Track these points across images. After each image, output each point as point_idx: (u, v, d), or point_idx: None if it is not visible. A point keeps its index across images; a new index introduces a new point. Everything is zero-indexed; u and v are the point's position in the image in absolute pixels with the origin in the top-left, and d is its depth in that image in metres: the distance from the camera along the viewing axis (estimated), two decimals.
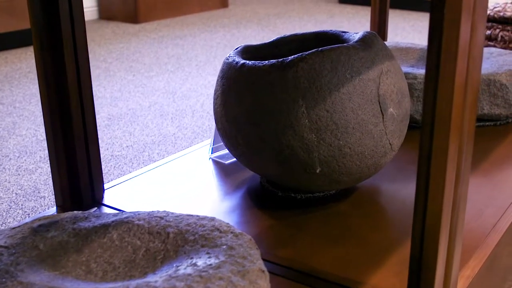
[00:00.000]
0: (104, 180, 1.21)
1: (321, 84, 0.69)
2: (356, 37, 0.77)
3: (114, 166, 1.26)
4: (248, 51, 0.82)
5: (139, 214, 0.57)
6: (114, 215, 0.58)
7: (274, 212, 0.77)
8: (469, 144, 0.51)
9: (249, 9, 3.43)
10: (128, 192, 0.84)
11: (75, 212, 0.59)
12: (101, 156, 1.32)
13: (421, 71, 1.06)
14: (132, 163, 1.28)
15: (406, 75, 1.04)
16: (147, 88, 1.87)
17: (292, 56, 0.70)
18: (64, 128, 0.76)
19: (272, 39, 0.86)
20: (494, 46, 1.40)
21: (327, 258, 0.67)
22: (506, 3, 1.51)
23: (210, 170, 0.90)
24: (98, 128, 1.50)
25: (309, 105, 0.69)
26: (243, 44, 0.83)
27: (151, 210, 0.59)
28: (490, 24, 1.43)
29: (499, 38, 1.40)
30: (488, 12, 1.42)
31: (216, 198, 0.82)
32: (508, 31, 1.40)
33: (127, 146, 1.37)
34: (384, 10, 1.39)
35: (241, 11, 3.36)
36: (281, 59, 0.71)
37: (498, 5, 1.48)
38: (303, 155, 0.71)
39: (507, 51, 1.18)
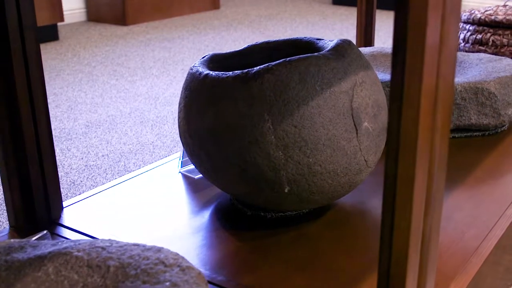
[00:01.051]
0: (76, 192, 1.16)
1: (289, 97, 0.64)
2: (330, 45, 0.72)
3: (87, 177, 1.21)
4: (215, 60, 0.77)
5: (79, 244, 0.52)
6: (53, 244, 0.53)
7: (242, 233, 0.72)
8: (441, 170, 0.46)
9: (241, 11, 3.38)
10: (89, 210, 0.79)
11: (11, 240, 0.54)
12: (75, 166, 1.27)
13: None
14: (106, 173, 1.23)
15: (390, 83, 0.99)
16: (129, 93, 1.81)
17: (258, 67, 0.65)
18: (16, 143, 0.71)
19: (242, 47, 0.81)
20: (485, 51, 1.35)
21: (293, 286, 0.61)
22: (498, 6, 1.46)
23: (178, 186, 0.85)
24: (74, 136, 1.45)
25: (275, 120, 0.64)
26: (211, 53, 0.78)
27: (94, 239, 0.53)
28: (481, 28, 1.37)
29: (490, 43, 1.35)
30: (479, 15, 1.37)
31: (182, 217, 0.76)
32: (499, 35, 1.35)
33: (102, 156, 1.32)
34: (371, 12, 1.34)
35: (232, 13, 3.31)
36: (245, 70, 0.65)
37: (489, 8, 1.43)
38: (270, 174, 0.65)
39: (497, 57, 1.13)
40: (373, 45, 1.36)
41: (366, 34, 1.35)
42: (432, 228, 0.47)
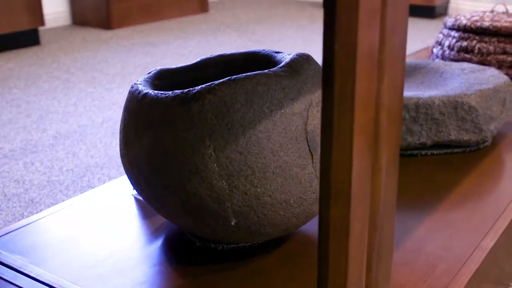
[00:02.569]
0: (34, 210, 1.09)
1: (233, 121, 0.57)
2: (285, 60, 0.65)
3: (47, 194, 1.14)
4: (162, 76, 0.70)
5: None
6: None
7: (188, 267, 0.65)
8: (388, 218, 0.39)
9: (230, 14, 3.31)
10: (26, 240, 0.72)
11: None
12: (36, 181, 1.20)
13: None
14: (68, 190, 1.16)
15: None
16: (104, 101, 1.74)
17: (199, 87, 0.58)
18: None
19: (195, 61, 0.74)
20: (471, 59, 1.28)
21: None
22: (485, 11, 1.39)
23: (128, 210, 0.78)
24: (41, 148, 1.38)
25: (217, 146, 0.57)
26: (158, 68, 0.71)
27: None
28: (466, 34, 1.31)
29: (476, 50, 1.28)
30: (464, 21, 1.30)
31: (126, 248, 0.69)
32: (485, 42, 1.28)
33: (67, 170, 1.25)
34: None
35: (221, 16, 3.24)
36: (186, 90, 0.59)
37: (475, 14, 1.37)
38: (214, 206, 0.59)
39: (481, 67, 1.06)
40: None
41: None
42: (380, 283, 0.40)
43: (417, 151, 0.95)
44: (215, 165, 0.57)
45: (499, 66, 1.25)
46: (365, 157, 0.35)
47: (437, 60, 1.30)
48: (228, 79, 0.58)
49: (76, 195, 1.14)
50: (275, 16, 3.27)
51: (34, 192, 1.15)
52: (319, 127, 0.61)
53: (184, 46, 2.52)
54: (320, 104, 0.61)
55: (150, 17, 3.06)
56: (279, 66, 0.62)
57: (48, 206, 1.11)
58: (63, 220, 0.76)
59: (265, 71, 0.60)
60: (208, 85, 0.58)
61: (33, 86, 1.92)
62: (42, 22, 2.44)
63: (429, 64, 1.11)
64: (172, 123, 0.58)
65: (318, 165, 0.61)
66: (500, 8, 2.93)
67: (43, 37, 2.70)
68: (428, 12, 3.16)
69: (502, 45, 1.25)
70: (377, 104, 0.36)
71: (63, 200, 1.12)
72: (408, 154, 0.95)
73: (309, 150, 0.60)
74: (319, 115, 0.61)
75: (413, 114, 0.91)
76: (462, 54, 1.31)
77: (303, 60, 0.63)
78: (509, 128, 1.06)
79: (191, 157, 0.57)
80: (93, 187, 1.17)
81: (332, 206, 0.35)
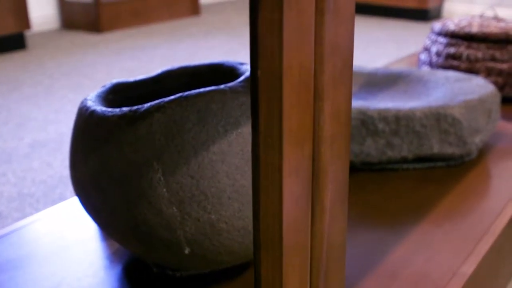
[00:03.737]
0: (0, 225, 1.05)
1: (183, 142, 0.52)
2: (246, 73, 0.60)
3: (16, 208, 1.10)
4: (118, 90, 0.65)
5: None
6: None
7: None
8: (335, 263, 0.34)
9: (222, 17, 3.26)
10: None
11: None
12: (6, 194, 1.15)
13: (359, 103, 0.89)
14: (39, 203, 1.11)
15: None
16: None
17: (148, 104, 0.54)
18: None
19: (155, 73, 0.69)
20: (458, 66, 1.24)
21: None
22: (474, 16, 1.34)
23: (87, 230, 0.74)
24: (15, 157, 1.33)
25: (167, 170, 0.52)
26: (114, 81, 0.66)
27: None
28: (454, 41, 1.26)
29: (464, 57, 1.24)
30: (452, 27, 1.26)
31: (79, 273, 0.65)
32: (474, 48, 1.23)
33: (39, 181, 1.20)
34: None
35: (213, 19, 3.20)
36: (134, 108, 0.54)
37: (464, 19, 1.32)
38: (164, 233, 0.54)
39: (467, 76, 1.01)
40: None
41: None
42: None
43: (398, 166, 0.90)
44: (164, 190, 0.52)
45: (488, 73, 1.21)
46: (300, 200, 0.30)
47: (423, 68, 1.25)
48: (179, 96, 0.53)
49: (47, 207, 1.10)
50: None
51: (3, 205, 1.11)
52: None
53: (173, 50, 2.47)
54: None
55: (141, 20, 3.02)
56: (238, 80, 0.57)
57: (16, 220, 1.06)
58: (13, 242, 0.71)
59: (221, 86, 0.55)
60: (157, 102, 0.53)
61: (15, 92, 1.87)
62: (28, 26, 2.39)
63: (413, 72, 1.07)
64: (118, 143, 0.53)
65: None
66: (490, 13, 2.89)
67: (30, 41, 2.65)
68: (422, 15, 3.11)
69: (491, 51, 1.21)
70: (316, 138, 0.31)
71: (31, 214, 1.08)
72: (388, 169, 0.90)
73: None
74: None
75: (393, 126, 0.87)
76: (449, 61, 1.26)
77: None
78: (495, 140, 1.01)
79: (138, 181, 0.53)
80: (65, 199, 1.13)
81: (263, 257, 0.30)
